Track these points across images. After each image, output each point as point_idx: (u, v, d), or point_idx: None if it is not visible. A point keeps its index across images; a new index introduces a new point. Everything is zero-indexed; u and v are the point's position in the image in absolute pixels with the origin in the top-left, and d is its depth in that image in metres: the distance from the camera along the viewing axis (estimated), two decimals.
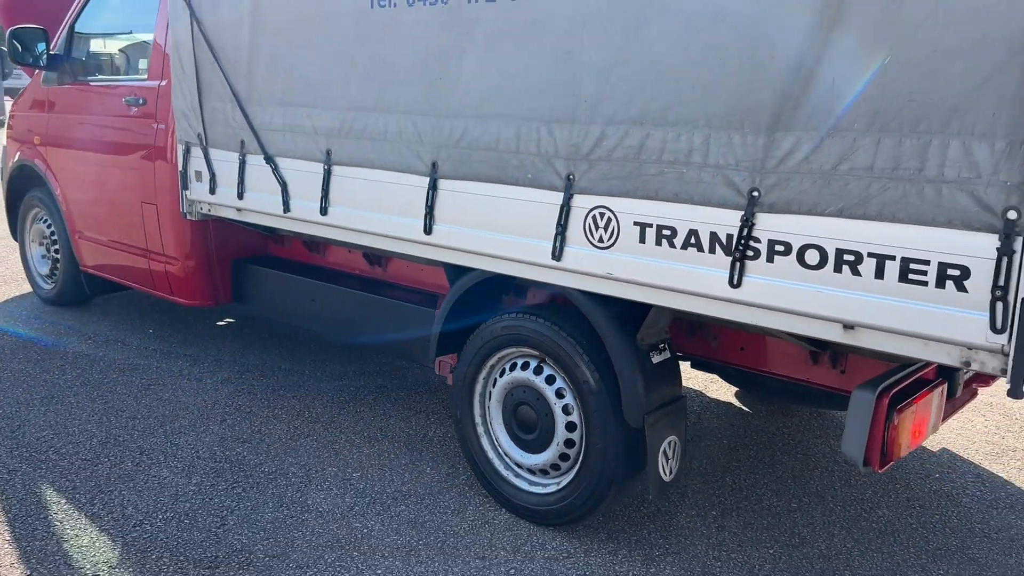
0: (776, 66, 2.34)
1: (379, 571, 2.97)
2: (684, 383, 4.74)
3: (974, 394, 3.29)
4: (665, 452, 3.00)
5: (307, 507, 3.37)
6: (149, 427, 4.04)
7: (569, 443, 3.16)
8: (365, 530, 3.23)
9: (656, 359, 3.02)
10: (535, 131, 2.90)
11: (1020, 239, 2.03)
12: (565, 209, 2.87)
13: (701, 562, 3.11)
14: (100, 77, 5.26)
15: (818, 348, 2.98)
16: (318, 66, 3.61)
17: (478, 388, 3.44)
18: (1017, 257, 2.04)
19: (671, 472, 3.04)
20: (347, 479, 3.61)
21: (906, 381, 2.60)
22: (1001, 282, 2.06)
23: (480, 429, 3.45)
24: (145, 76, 4.82)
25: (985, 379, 3.36)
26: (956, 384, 2.90)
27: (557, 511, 3.22)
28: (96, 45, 5.44)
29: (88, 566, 2.94)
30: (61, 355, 4.98)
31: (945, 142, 2.10)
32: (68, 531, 3.15)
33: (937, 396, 2.69)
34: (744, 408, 4.61)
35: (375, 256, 4.34)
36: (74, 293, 5.77)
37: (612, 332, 2.97)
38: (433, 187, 3.25)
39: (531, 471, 3.33)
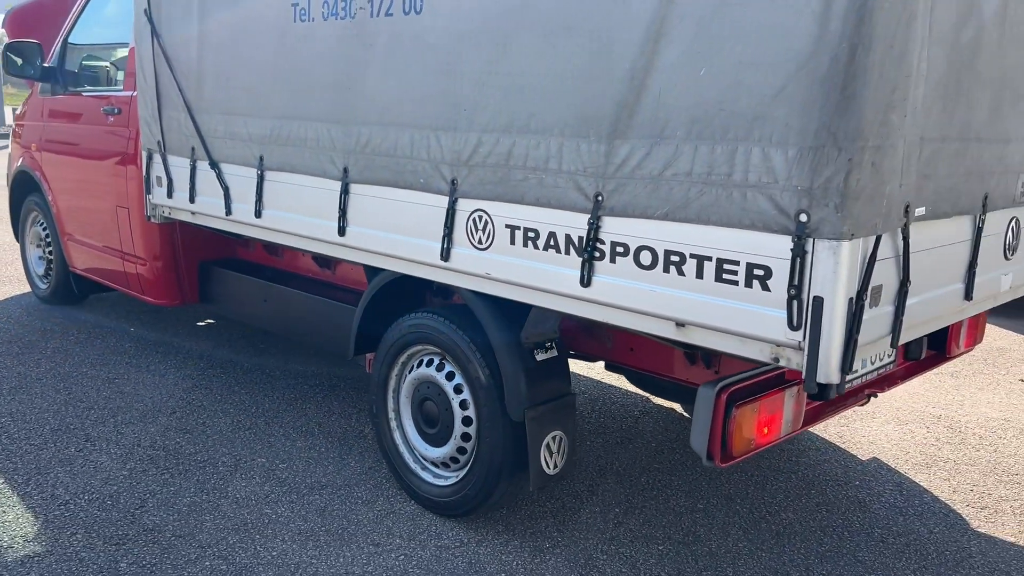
0: (614, 77, 2.48)
1: (274, 553, 3.14)
2: (632, 389, 4.86)
3: (865, 399, 3.35)
4: (548, 446, 3.12)
5: (226, 494, 3.56)
6: (101, 417, 4.28)
7: (466, 437, 3.31)
8: (274, 516, 3.40)
9: (541, 357, 3.15)
10: (425, 138, 3.07)
11: (811, 240, 2.14)
12: (451, 212, 3.03)
13: (587, 555, 3.22)
14: (87, 88, 5.57)
15: (687, 348, 3.08)
16: (252, 77, 3.83)
17: (391, 384, 3.60)
18: (809, 258, 2.15)
19: (556, 466, 3.16)
20: (272, 469, 3.80)
21: (754, 379, 2.70)
22: (796, 281, 2.17)
23: (393, 424, 3.61)
24: (121, 87, 5.11)
25: (880, 384, 3.43)
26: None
27: (455, 502, 3.36)
28: (87, 58, 5.75)
29: (6, 539, 3.16)
30: (40, 350, 5.27)
31: (749, 149, 2.21)
32: None
33: (791, 396, 2.77)
34: (685, 414, 4.69)
35: (323, 259, 4.53)
36: (65, 293, 6.08)
37: (496, 330, 3.11)
38: (345, 191, 3.44)
39: (434, 464, 3.48)
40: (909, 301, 2.46)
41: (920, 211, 2.38)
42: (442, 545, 3.24)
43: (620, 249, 2.55)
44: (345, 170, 3.41)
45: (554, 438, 3.14)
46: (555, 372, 3.19)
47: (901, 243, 2.34)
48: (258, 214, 3.91)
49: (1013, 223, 3.09)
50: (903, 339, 2.62)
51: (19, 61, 5.58)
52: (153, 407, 4.42)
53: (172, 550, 3.13)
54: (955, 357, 3.90)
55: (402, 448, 3.59)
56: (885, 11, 2.00)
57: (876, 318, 2.33)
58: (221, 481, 3.67)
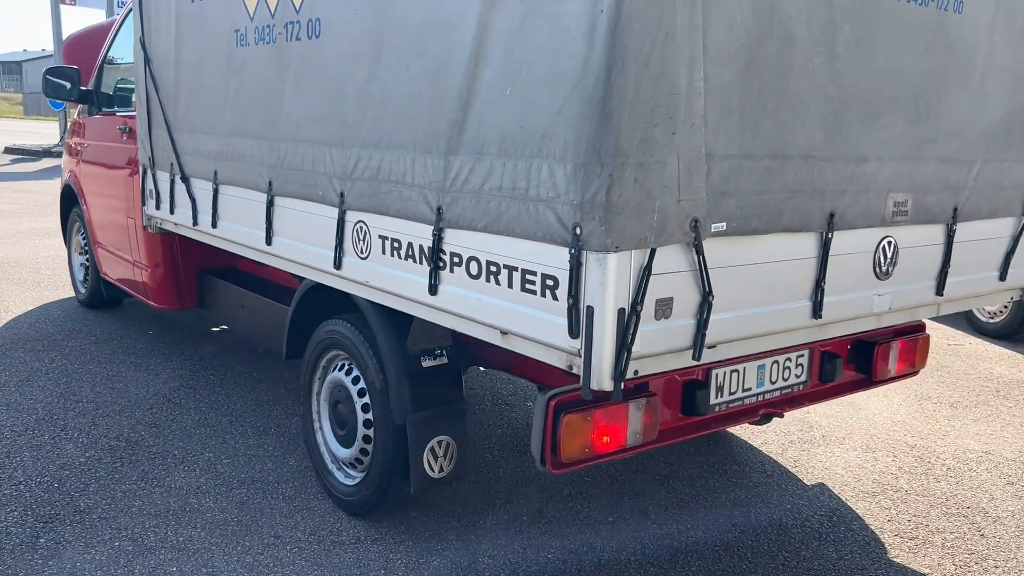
0: (449, 97, 2.61)
1: (181, 538, 3.37)
2: None
3: (759, 417, 3.32)
4: (433, 450, 3.23)
5: (163, 484, 3.83)
6: (85, 410, 4.64)
7: (367, 439, 3.46)
8: (197, 506, 3.64)
9: (428, 363, 3.27)
10: (323, 154, 3.27)
11: (584, 253, 2.21)
12: (340, 223, 3.21)
13: (473, 559, 3.31)
14: (116, 109, 6.04)
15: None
16: (208, 98, 4.13)
17: (315, 387, 3.80)
18: (583, 269, 2.22)
19: (442, 470, 3.27)
20: (215, 464, 4.04)
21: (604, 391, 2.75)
22: (574, 291, 2.24)
23: (316, 424, 3.80)
24: (132, 108, 5.54)
25: (783, 404, 3.40)
26: (699, 400, 3.00)
27: (357, 501, 3.51)
28: (121, 80, 6.24)
29: None
30: (60, 347, 5.72)
31: (540, 165, 2.30)
32: None
33: (638, 407, 2.79)
34: None
35: None
36: (99, 298, 6.58)
37: (384, 336, 3.26)
38: (270, 203, 3.67)
39: (345, 464, 3.64)
40: (720, 315, 2.48)
41: (719, 227, 2.40)
42: (338, 541, 3.40)
43: (456, 259, 2.67)
44: (270, 184, 3.64)
45: (439, 443, 3.25)
46: (442, 379, 3.30)
47: (697, 258, 2.37)
48: (214, 224, 4.20)
49: (885, 243, 3.03)
50: (727, 354, 2.64)
51: (66, 85, 6.10)
52: (133, 403, 4.76)
53: (92, 530, 3.40)
54: (887, 381, 3.81)
55: (322, 448, 3.77)
56: (636, 31, 2.07)
57: (668, 330, 2.37)
58: (164, 472, 3.94)
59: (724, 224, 2.41)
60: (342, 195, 3.17)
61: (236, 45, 3.82)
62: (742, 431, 4.74)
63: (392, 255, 2.96)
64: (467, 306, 2.67)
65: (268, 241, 3.72)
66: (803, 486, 4.13)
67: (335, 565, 3.23)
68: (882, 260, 3.04)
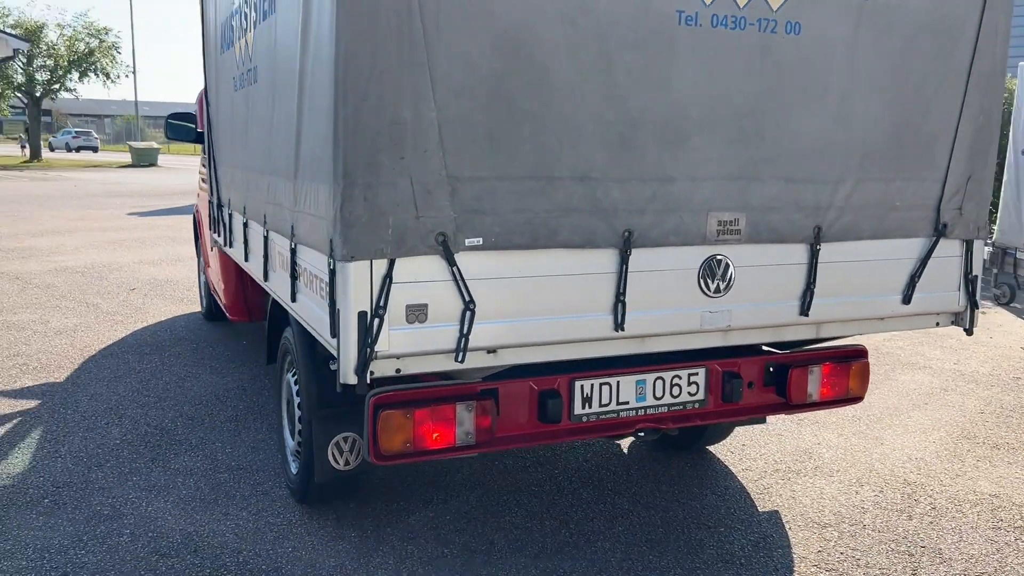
0: (293, 129, 3.03)
1: (149, 509, 3.95)
2: None
3: (634, 431, 3.40)
4: (339, 444, 3.60)
5: (165, 465, 4.45)
6: (146, 402, 5.43)
7: (301, 432, 3.90)
8: (180, 484, 4.22)
9: (334, 366, 3.66)
10: (262, 181, 3.78)
11: (334, 261, 2.53)
12: (265, 240, 3.70)
13: (377, 544, 3.64)
14: None
15: None
16: (226, 135, 4.80)
17: (284, 387, 4.30)
18: (336, 276, 2.56)
19: (348, 463, 3.63)
20: (217, 452, 4.64)
21: (443, 389, 3.02)
22: (332, 295, 2.58)
23: (285, 421, 4.29)
24: None
25: (667, 420, 3.46)
26: (552, 410, 3.16)
27: (295, 489, 3.95)
28: None
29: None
30: (163, 352, 6.66)
31: (319, 187, 2.66)
32: None
33: (467, 408, 3.01)
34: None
35: None
36: (212, 312, 7.54)
37: (300, 341, 3.69)
38: (244, 225, 4.24)
39: (291, 454, 4.10)
40: (495, 323, 2.69)
41: (474, 241, 2.63)
42: (272, 522, 3.85)
43: (299, 270, 3.07)
44: (244, 209, 4.22)
45: (345, 439, 3.61)
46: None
47: (452, 269, 2.60)
48: (229, 244, 4.85)
49: (712, 261, 3.05)
50: (516, 359, 2.83)
51: (185, 127, 7.14)
52: (186, 399, 5.50)
53: (87, 496, 4.06)
54: (814, 406, 3.73)
55: (287, 440, 4.26)
56: (353, 67, 2.38)
57: (426, 333, 2.62)
58: (172, 456, 4.59)
59: (480, 239, 2.63)
60: (264, 216, 3.67)
61: (233, 89, 4.45)
62: (729, 457, 4.71)
63: (282, 268, 3.41)
64: (307, 311, 3.05)
65: (246, 258, 4.29)
66: (752, 513, 4.07)
67: (256, 540, 3.67)
68: (708, 277, 3.08)
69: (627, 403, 3.34)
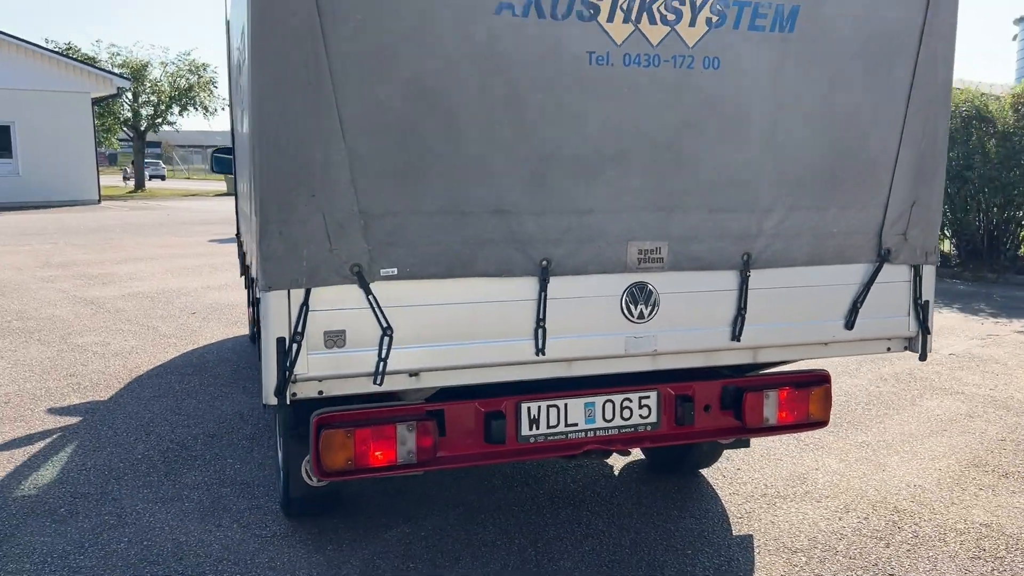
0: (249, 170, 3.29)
1: (152, 519, 4.25)
2: None
3: (579, 452, 3.51)
4: (310, 462, 3.82)
5: (176, 480, 4.77)
6: (176, 421, 5.78)
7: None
8: (185, 496, 4.52)
9: None
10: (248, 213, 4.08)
11: (262, 294, 2.75)
12: (249, 269, 3.98)
13: (352, 564, 3.83)
14: None
15: None
16: (240, 166, 5.14)
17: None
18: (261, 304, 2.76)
19: (319, 480, 3.83)
20: (226, 468, 4.93)
21: (384, 409, 3.21)
22: (256, 319, 2.79)
23: (278, 438, 4.54)
24: None
25: (615, 443, 3.56)
26: (496, 431, 3.31)
27: (281, 503, 4.19)
28: None
29: (30, 483, 4.72)
30: (205, 372, 7.05)
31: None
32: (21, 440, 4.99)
33: (408, 428, 3.19)
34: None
35: None
36: (255, 334, 7.95)
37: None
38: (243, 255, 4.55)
39: (280, 470, 4.34)
40: (415, 347, 2.88)
41: (389, 272, 2.82)
42: (258, 534, 4.09)
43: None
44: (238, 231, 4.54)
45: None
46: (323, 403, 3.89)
47: (368, 297, 2.79)
48: (242, 272, 5.17)
49: (635, 288, 3.15)
50: (439, 382, 2.99)
51: (227, 159, 7.59)
52: (212, 418, 5.84)
53: (99, 506, 4.40)
54: (773, 431, 3.76)
55: (279, 457, 4.50)
56: (265, 112, 2.61)
57: (345, 358, 2.82)
58: (185, 470, 4.90)
59: (395, 270, 2.83)
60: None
61: (241, 120, 4.79)
62: (720, 480, 4.73)
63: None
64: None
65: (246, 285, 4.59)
66: (725, 536, 4.11)
67: (233, 550, 3.92)
68: (631, 304, 3.19)
69: (576, 425, 3.46)
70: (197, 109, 45.46)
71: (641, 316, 3.22)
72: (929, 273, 3.56)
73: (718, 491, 4.62)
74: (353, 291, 2.85)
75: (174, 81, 44.65)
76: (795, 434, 5.22)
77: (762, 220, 3.27)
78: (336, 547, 3.95)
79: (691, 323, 3.30)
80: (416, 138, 2.81)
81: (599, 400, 3.47)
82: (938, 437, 5.52)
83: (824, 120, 3.29)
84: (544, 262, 3.03)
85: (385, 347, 2.90)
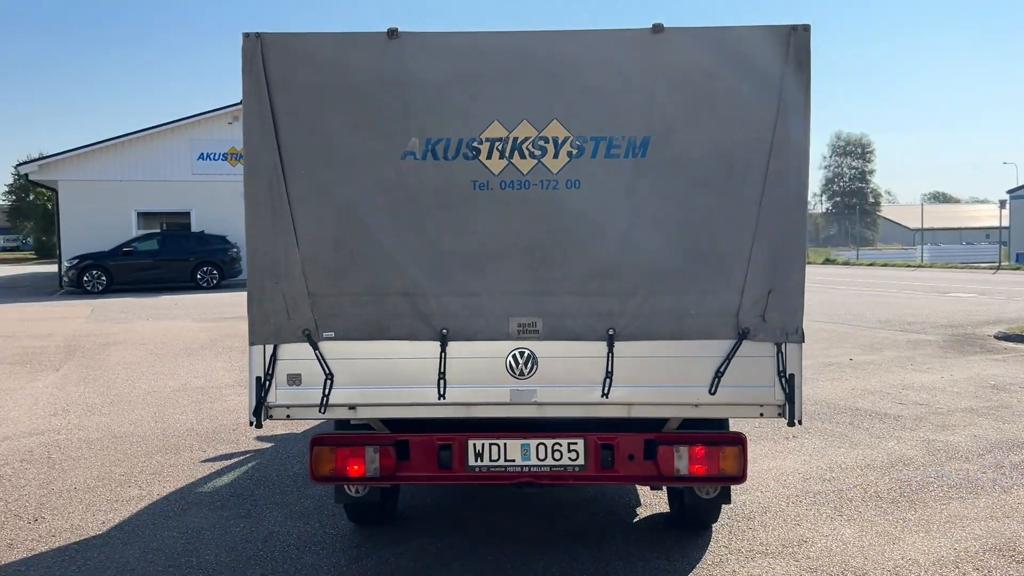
0: None
1: (195, 518, 5.43)
2: None
3: (516, 483, 4.17)
4: None
5: (232, 528, 5.94)
6: (226, 467, 7.03)
7: None
8: (230, 508, 5.67)
9: None
10: None
11: (249, 347, 3.84)
12: None
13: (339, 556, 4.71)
14: None
15: None
16: None
17: None
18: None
19: (357, 492, 4.59)
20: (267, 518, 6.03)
21: (364, 436, 4.20)
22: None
23: None
24: None
25: (545, 478, 4.17)
26: (444, 459, 4.14)
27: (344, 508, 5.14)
28: None
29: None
30: None
31: None
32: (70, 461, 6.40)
33: (374, 450, 4.13)
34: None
35: None
36: None
37: None
38: None
39: None
40: (350, 388, 3.92)
41: (329, 335, 3.87)
42: (325, 523, 5.10)
43: None
44: None
45: None
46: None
47: (315, 352, 3.84)
48: None
49: (517, 352, 3.90)
50: (371, 415, 4.05)
51: None
52: (268, 460, 7.00)
53: (255, 509, 5.68)
54: (688, 480, 4.15)
55: None
56: (249, 229, 3.85)
57: (302, 393, 3.92)
58: (251, 517, 6.06)
59: (333, 333, 3.89)
60: None
61: None
62: (727, 535, 4.97)
63: None
64: None
65: None
66: None
67: (249, 540, 4.95)
68: (515, 364, 3.91)
69: (514, 460, 4.17)
70: None
71: (522, 374, 3.94)
72: (793, 350, 3.89)
73: (716, 544, 4.85)
74: (305, 347, 3.92)
75: None
76: (810, 499, 5.28)
77: (624, 302, 3.87)
78: (370, 544, 4.84)
79: (567, 381, 3.94)
80: (346, 244, 3.88)
81: (533, 442, 4.15)
82: (987, 522, 5.21)
83: (678, 225, 3.85)
84: (444, 330, 3.89)
85: (328, 387, 3.93)
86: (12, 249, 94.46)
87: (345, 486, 4.63)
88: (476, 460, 4.15)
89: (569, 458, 4.14)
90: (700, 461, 4.10)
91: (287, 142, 3.81)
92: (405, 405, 3.98)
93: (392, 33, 3.78)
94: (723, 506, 5.21)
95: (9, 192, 76.80)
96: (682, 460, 4.09)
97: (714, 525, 5.07)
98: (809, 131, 3.80)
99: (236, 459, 6.73)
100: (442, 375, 3.90)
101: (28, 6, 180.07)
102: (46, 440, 7.43)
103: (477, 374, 3.93)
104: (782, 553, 4.70)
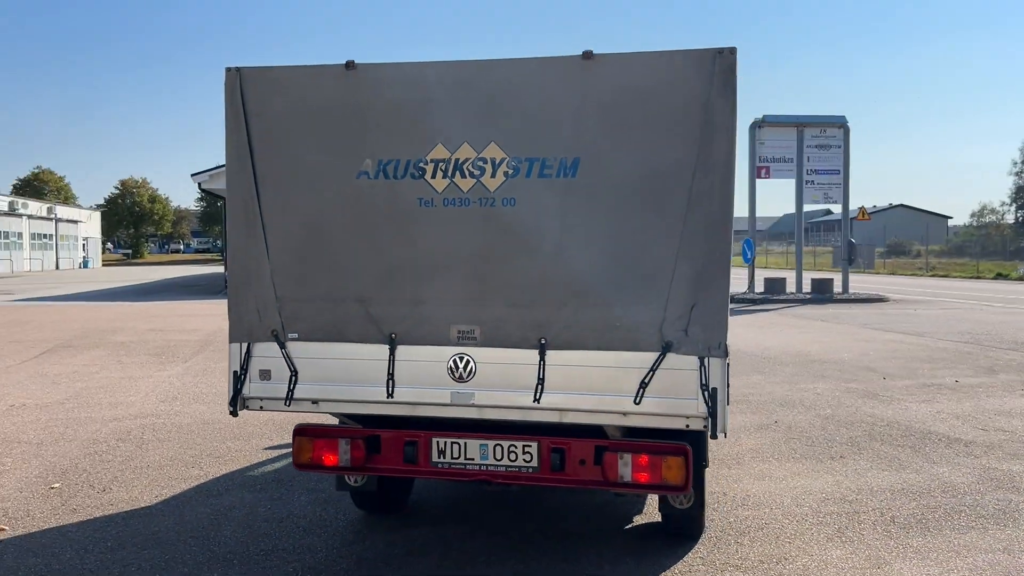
0: None
1: (237, 496, 5.98)
2: None
3: (476, 480, 4.46)
4: None
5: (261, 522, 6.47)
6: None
7: None
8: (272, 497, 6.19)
9: None
10: None
11: (229, 344, 4.37)
12: None
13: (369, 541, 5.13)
14: None
15: None
16: None
17: None
18: None
19: (356, 481, 5.04)
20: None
21: (342, 429, 4.62)
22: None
23: None
24: None
25: (503, 479, 4.42)
26: (410, 454, 4.48)
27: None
28: None
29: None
30: None
31: None
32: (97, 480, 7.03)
33: (346, 442, 4.51)
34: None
35: None
36: None
37: None
38: None
39: None
40: (313, 384, 4.32)
41: (293, 335, 4.30)
42: (333, 505, 5.58)
43: None
44: None
45: None
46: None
47: (282, 351, 4.29)
48: None
49: (456, 357, 4.17)
50: (331, 409, 4.42)
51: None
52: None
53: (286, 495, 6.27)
54: (628, 487, 4.29)
55: None
56: (229, 240, 4.27)
57: (272, 387, 4.35)
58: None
59: (297, 334, 4.33)
60: None
61: None
62: (709, 549, 5.04)
63: None
64: None
65: None
66: None
67: (274, 517, 5.45)
68: (455, 368, 4.20)
69: (473, 459, 4.46)
70: None
71: (462, 378, 4.21)
72: (716, 364, 3.95)
73: (693, 554, 4.93)
74: (274, 347, 4.37)
75: None
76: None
77: (555, 313, 4.08)
78: (369, 530, 5.27)
79: (503, 386, 4.18)
80: (308, 254, 4.32)
81: (491, 443, 4.42)
82: (994, 554, 4.97)
83: (606, 241, 4.01)
84: (392, 335, 4.24)
85: (292, 383, 4.36)
86: (203, 251, 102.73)
87: (345, 476, 5.06)
88: (439, 457, 4.46)
89: (524, 459, 4.37)
90: (644, 469, 4.22)
91: (260, 164, 4.28)
92: (359, 402, 4.34)
93: (349, 65, 4.18)
94: (719, 519, 5.26)
95: (200, 199, 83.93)
96: (626, 467, 4.23)
97: (705, 537, 5.13)
98: (734, 151, 3.86)
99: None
100: (391, 376, 4.24)
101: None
102: (146, 423, 8.34)
103: (422, 376, 4.24)
104: (756, 569, 4.72)
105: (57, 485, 6.28)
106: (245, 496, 5.99)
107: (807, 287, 26.65)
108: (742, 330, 17.05)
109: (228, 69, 4.27)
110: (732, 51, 3.82)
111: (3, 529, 5.34)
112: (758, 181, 25.88)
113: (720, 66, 3.83)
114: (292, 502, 5.84)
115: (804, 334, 16.66)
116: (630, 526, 5.40)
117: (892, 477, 6.48)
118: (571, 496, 5.89)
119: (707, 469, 6.26)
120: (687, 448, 4.21)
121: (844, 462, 6.92)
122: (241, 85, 4.27)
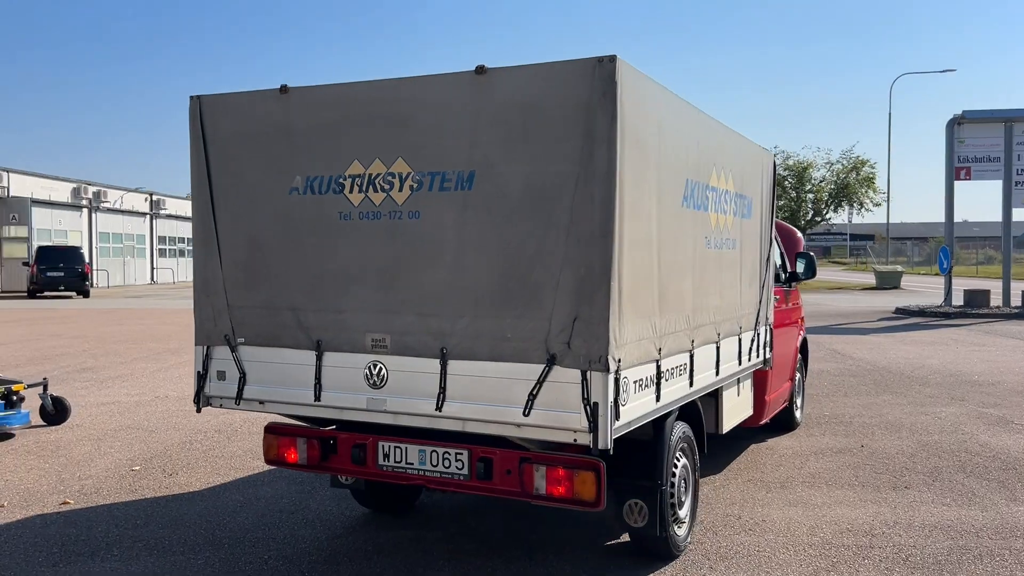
0: None
1: (265, 493, 6.42)
2: None
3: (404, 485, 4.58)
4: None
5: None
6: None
7: None
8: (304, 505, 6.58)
9: None
10: None
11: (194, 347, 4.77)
12: None
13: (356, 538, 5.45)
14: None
15: None
16: None
17: None
18: None
19: (346, 480, 5.42)
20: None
21: (293, 429, 4.96)
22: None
23: None
24: None
25: (437, 485, 4.57)
26: (357, 456, 4.72)
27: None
28: None
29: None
30: None
31: None
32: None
33: (304, 442, 4.85)
34: None
35: None
36: None
37: None
38: None
39: None
40: (258, 386, 4.69)
41: (241, 340, 4.67)
42: (337, 503, 5.93)
43: None
44: None
45: None
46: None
47: (233, 354, 4.68)
48: None
49: (371, 364, 4.36)
50: (273, 409, 4.75)
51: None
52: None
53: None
54: (544, 500, 4.29)
55: None
56: (194, 253, 4.72)
57: (225, 386, 4.75)
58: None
59: (244, 339, 4.70)
60: None
61: None
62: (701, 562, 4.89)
63: None
64: None
65: None
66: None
67: (326, 510, 5.84)
68: (370, 375, 4.39)
69: (412, 464, 4.64)
70: (852, 205, 46.30)
71: (375, 384, 4.40)
72: (597, 378, 3.86)
73: (660, 574, 4.80)
74: (227, 350, 4.77)
75: (838, 179, 46.27)
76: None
77: (454, 323, 4.17)
78: (362, 527, 5.58)
79: (410, 393, 4.31)
80: (251, 266, 4.69)
81: (428, 449, 4.58)
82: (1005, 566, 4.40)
83: (498, 252, 4.05)
84: (318, 341, 4.51)
85: (241, 384, 4.75)
86: None
87: (338, 475, 5.37)
88: (384, 460, 4.66)
89: (456, 467, 4.47)
90: (558, 482, 4.18)
91: (216, 183, 4.70)
92: (294, 404, 4.64)
93: (283, 89, 4.50)
94: (709, 542, 5.06)
95: None
96: (542, 479, 4.21)
97: (681, 559, 4.96)
98: (616, 160, 3.76)
99: None
100: (318, 380, 4.50)
101: None
102: (247, 417, 9.06)
103: (343, 381, 4.46)
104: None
105: (137, 468, 7.07)
106: (280, 488, 6.46)
107: (1016, 300, 24.03)
108: (909, 347, 15.81)
109: (192, 97, 4.72)
110: (612, 59, 3.74)
111: (1, 506, 6.09)
112: (957, 183, 23.68)
113: (600, 75, 3.76)
114: (315, 497, 6.23)
115: (977, 352, 15.16)
116: (620, 541, 5.30)
117: (948, 513, 5.88)
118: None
119: (715, 490, 6.05)
120: (600, 463, 4.13)
121: (905, 493, 6.35)
122: (201, 111, 4.70)
